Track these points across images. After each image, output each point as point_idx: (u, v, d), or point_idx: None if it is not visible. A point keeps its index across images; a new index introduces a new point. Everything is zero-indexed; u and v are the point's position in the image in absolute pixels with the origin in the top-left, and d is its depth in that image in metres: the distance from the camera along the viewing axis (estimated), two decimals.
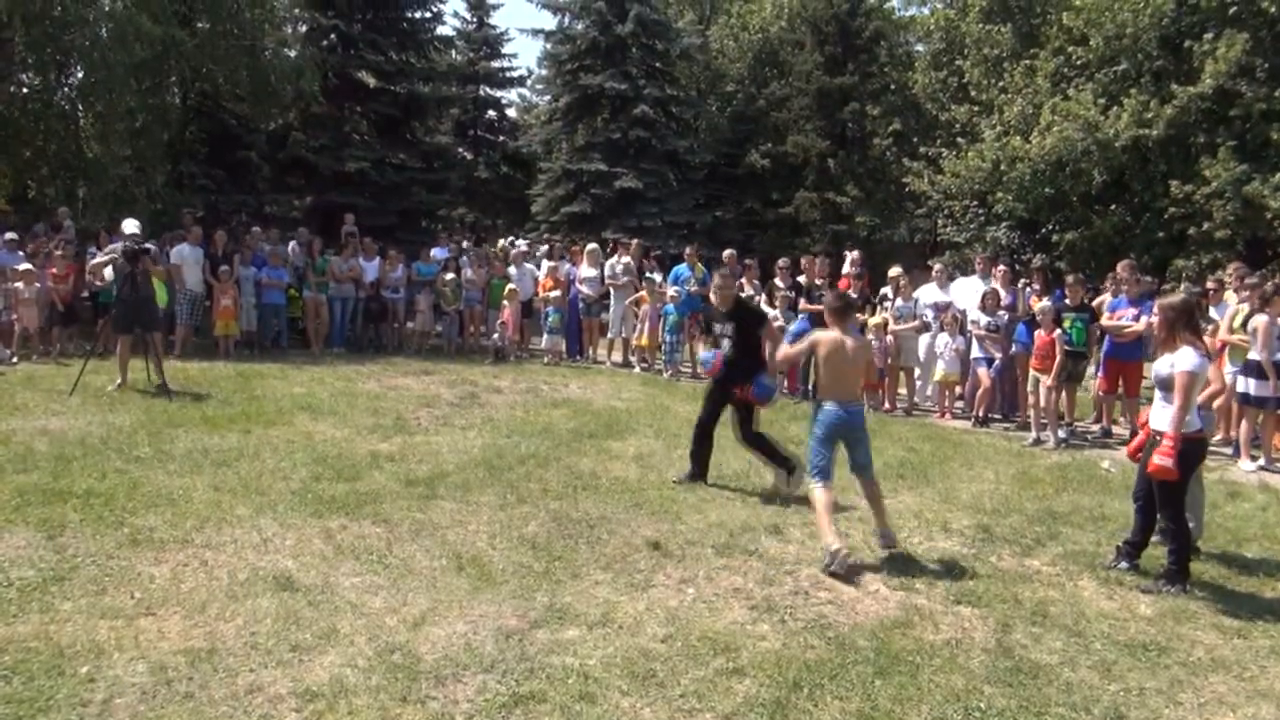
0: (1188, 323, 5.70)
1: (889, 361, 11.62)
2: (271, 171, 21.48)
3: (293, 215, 21.62)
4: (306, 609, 4.77)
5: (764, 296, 12.82)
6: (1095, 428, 10.95)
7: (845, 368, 6.10)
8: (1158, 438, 5.63)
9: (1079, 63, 22.15)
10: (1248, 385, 9.25)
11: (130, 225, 10.45)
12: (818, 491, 5.93)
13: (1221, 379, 6.33)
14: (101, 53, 14.78)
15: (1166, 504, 5.67)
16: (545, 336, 14.68)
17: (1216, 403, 9.67)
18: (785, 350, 7.07)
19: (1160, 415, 5.71)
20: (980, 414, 10.98)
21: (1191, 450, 5.62)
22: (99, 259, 11.06)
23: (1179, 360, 5.59)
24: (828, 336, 6.13)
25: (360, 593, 5.02)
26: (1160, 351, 5.95)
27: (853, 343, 6.17)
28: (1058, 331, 10.01)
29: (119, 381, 10.21)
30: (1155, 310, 6.24)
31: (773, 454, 7.41)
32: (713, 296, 7.89)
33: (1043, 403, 10.03)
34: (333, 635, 4.49)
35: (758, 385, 7.29)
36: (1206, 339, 9.31)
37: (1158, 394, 5.82)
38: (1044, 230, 22.53)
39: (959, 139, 24.29)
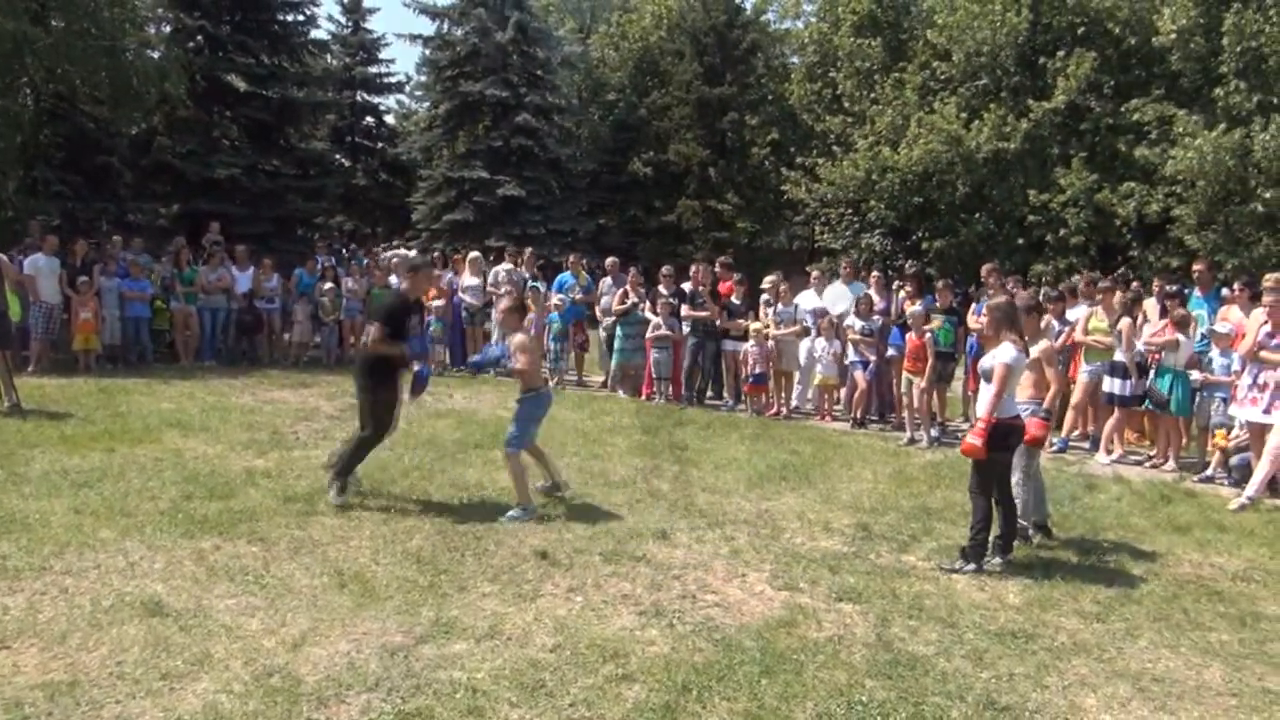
0: (1010, 323, 6.29)
1: (771, 366, 11.84)
2: (135, 178, 20.44)
3: (159, 224, 20.64)
4: (177, 634, 4.56)
5: (648, 304, 12.91)
6: (965, 426, 11.41)
7: (538, 359, 7.72)
8: (976, 422, 6.15)
9: (943, 77, 23.18)
10: (1113, 385, 9.78)
11: None
12: (518, 461, 6.89)
13: (1058, 378, 6.90)
14: None
15: (976, 482, 6.14)
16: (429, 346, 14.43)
17: (1074, 400, 10.31)
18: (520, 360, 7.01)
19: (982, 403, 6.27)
20: (858, 416, 11.32)
21: (1005, 433, 6.08)
22: None
23: (999, 354, 6.15)
24: (524, 338, 7.09)
25: (236, 615, 4.83)
26: (986, 347, 6.56)
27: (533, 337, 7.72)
28: (927, 334, 10.40)
29: None
30: (984, 311, 6.82)
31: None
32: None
33: (916, 403, 10.42)
34: (206, 660, 4.31)
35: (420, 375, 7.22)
36: (1064, 339, 9.95)
37: (983, 384, 6.35)
38: (915, 237, 23.45)
39: (834, 148, 25.05)
